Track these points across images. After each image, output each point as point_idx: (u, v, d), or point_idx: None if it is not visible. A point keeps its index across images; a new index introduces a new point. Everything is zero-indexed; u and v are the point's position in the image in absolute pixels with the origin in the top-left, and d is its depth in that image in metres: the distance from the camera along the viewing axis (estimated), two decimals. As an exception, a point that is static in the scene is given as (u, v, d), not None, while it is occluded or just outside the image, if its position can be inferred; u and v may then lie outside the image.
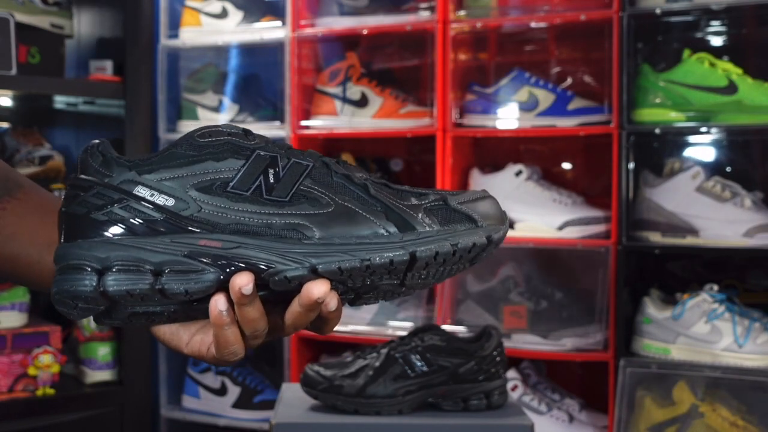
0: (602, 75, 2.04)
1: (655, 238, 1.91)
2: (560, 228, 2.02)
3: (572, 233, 2.01)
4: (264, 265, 0.65)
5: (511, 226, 2.07)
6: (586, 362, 2.04)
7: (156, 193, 0.66)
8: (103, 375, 2.20)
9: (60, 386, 2.13)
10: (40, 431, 2.07)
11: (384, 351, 1.35)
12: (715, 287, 1.86)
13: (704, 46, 2.03)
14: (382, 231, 0.66)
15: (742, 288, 1.98)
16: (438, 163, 2.09)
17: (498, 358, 1.37)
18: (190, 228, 0.66)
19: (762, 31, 2.07)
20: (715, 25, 2.05)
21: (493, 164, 2.17)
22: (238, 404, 2.31)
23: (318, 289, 0.64)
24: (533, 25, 2.09)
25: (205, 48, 2.43)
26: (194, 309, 0.68)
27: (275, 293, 0.67)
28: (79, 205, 0.67)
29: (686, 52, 1.92)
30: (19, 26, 2.06)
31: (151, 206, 0.66)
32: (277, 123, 2.30)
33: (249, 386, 2.31)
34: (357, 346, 2.13)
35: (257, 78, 2.45)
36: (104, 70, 2.26)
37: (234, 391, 2.32)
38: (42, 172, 2.19)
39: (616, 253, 1.91)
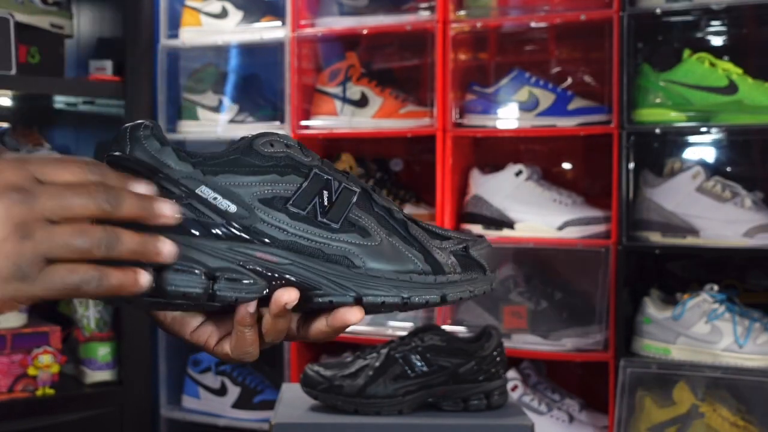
0: (602, 75, 2.04)
1: (655, 238, 1.91)
2: (560, 228, 2.02)
3: (572, 233, 2.01)
4: (313, 287, 0.67)
5: (512, 226, 2.07)
6: (586, 362, 2.03)
7: (219, 197, 0.66)
8: (103, 375, 2.20)
9: (60, 386, 2.13)
10: (40, 431, 2.07)
11: (384, 351, 1.35)
12: (715, 287, 1.86)
13: (704, 46, 2.03)
14: (421, 271, 0.69)
15: (742, 288, 1.98)
16: (438, 163, 2.09)
17: (498, 358, 1.37)
18: (247, 237, 0.66)
19: (762, 31, 2.07)
20: (715, 25, 2.05)
21: (493, 164, 2.17)
22: (238, 404, 2.31)
23: (355, 316, 0.68)
24: (533, 25, 2.09)
25: (205, 48, 2.43)
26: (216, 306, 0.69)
27: (307, 309, 0.69)
28: None
29: (686, 52, 1.91)
30: (19, 26, 2.06)
31: (212, 209, 0.66)
32: (277, 123, 2.30)
33: (249, 386, 2.31)
34: (357, 346, 2.13)
35: (257, 78, 2.45)
36: (104, 70, 2.26)
37: (234, 392, 2.32)
38: (42, 172, 2.18)
39: (616, 253, 1.91)
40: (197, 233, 0.65)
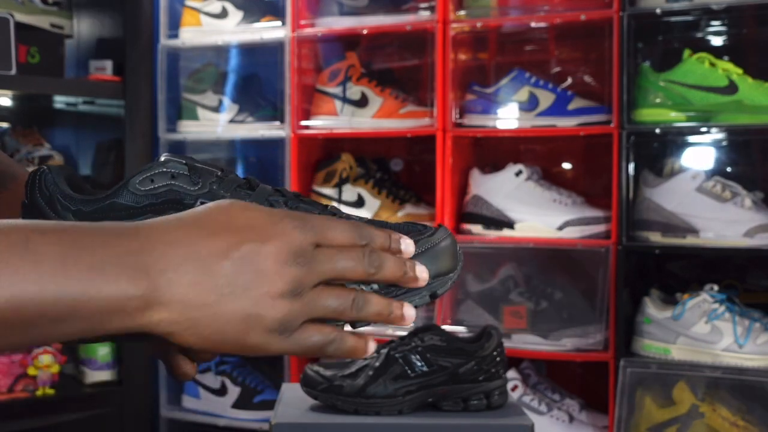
0: (602, 75, 2.04)
1: (655, 238, 1.91)
2: (560, 228, 2.02)
3: (572, 233, 2.01)
4: None
5: (512, 226, 2.07)
6: (586, 362, 2.03)
7: None
8: (103, 375, 2.20)
9: (60, 386, 2.13)
10: (40, 431, 2.07)
11: (384, 351, 1.35)
12: (715, 287, 1.86)
13: (704, 46, 2.03)
14: None
15: (742, 288, 1.98)
16: (438, 163, 2.09)
17: (498, 358, 1.37)
18: None
19: (762, 31, 2.07)
20: (715, 25, 2.05)
21: (493, 164, 2.17)
22: (238, 404, 2.31)
23: None
24: (533, 25, 2.09)
25: (205, 48, 2.43)
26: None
27: None
28: None
29: (686, 52, 1.91)
30: (19, 26, 2.06)
31: None
32: (277, 123, 2.30)
33: (249, 386, 2.31)
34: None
35: (257, 78, 2.45)
36: (104, 70, 2.27)
37: (234, 391, 2.31)
38: (42, 172, 2.18)
39: (616, 253, 1.91)
40: None
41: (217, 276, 0.58)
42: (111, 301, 0.56)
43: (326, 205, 0.71)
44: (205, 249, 0.59)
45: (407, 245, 0.66)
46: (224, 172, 0.68)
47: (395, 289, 0.67)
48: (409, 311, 0.65)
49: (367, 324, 0.66)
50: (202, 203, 0.66)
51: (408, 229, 0.70)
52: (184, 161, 0.67)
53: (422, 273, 0.66)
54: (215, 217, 0.60)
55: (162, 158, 0.68)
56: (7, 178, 0.78)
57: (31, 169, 0.73)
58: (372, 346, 0.65)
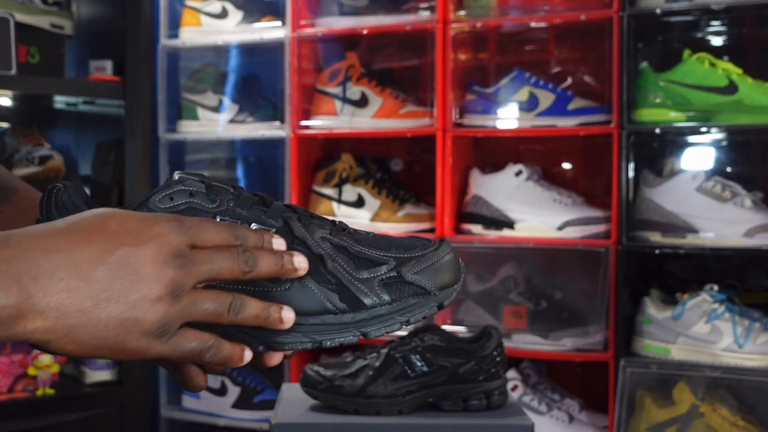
0: (602, 75, 2.04)
1: (655, 238, 1.91)
2: (560, 228, 2.02)
3: (572, 233, 2.01)
4: (225, 338, 0.65)
5: (512, 226, 2.07)
6: (586, 362, 2.03)
7: None
8: (103, 375, 2.20)
9: (60, 386, 2.13)
10: (40, 431, 2.07)
11: (384, 351, 1.35)
12: (715, 287, 1.86)
13: (704, 46, 2.03)
14: (335, 311, 0.67)
15: (742, 288, 1.98)
16: (438, 163, 2.09)
17: (498, 358, 1.37)
18: None
19: (762, 31, 2.07)
20: (715, 25, 2.05)
21: (493, 164, 2.17)
22: (238, 404, 2.31)
23: (271, 361, 0.69)
24: (533, 25, 2.09)
25: (205, 48, 2.43)
26: None
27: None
28: None
29: (686, 52, 1.91)
30: (19, 26, 2.06)
31: None
32: (277, 123, 2.30)
33: (249, 386, 2.31)
34: (357, 346, 2.13)
35: (257, 78, 2.45)
36: (104, 70, 2.26)
37: (234, 391, 2.31)
38: (42, 172, 2.19)
39: (616, 253, 1.91)
40: None
41: (92, 281, 0.58)
42: None
43: (335, 221, 0.72)
44: (80, 255, 0.58)
45: (279, 244, 0.67)
46: (236, 189, 0.69)
47: (405, 302, 0.68)
48: (288, 314, 0.65)
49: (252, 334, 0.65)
50: (222, 221, 0.67)
51: (412, 243, 0.71)
52: (199, 179, 0.68)
53: (301, 263, 0.66)
54: (89, 222, 0.60)
55: (176, 176, 0.68)
56: (8, 191, 0.78)
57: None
58: (248, 355, 0.65)
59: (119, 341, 0.59)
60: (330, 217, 0.73)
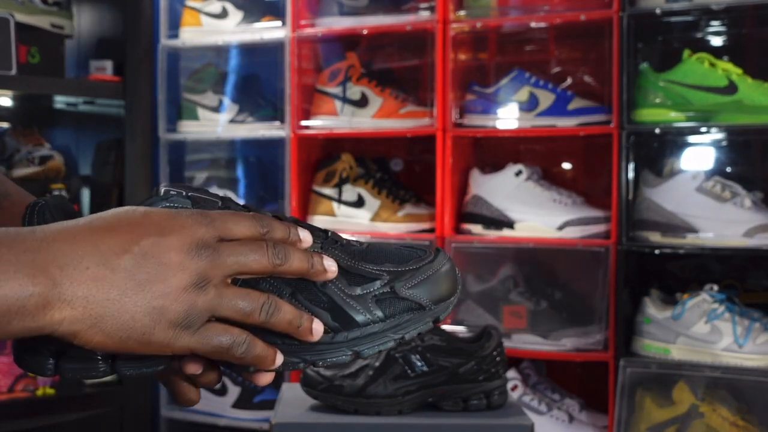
0: (602, 75, 2.04)
1: (655, 238, 1.91)
2: (560, 228, 2.02)
3: (572, 233, 2.01)
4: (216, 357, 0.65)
5: (512, 226, 2.07)
6: (586, 362, 2.04)
7: None
8: (103, 375, 2.20)
9: (60, 386, 2.13)
10: (40, 431, 2.07)
11: (384, 351, 1.35)
12: (715, 287, 1.86)
13: (704, 46, 2.03)
14: (326, 331, 0.65)
15: (742, 288, 1.98)
16: (438, 163, 2.09)
17: (498, 358, 1.37)
18: None
19: (762, 31, 2.07)
20: (715, 25, 2.05)
21: (493, 164, 2.17)
22: (238, 404, 2.31)
23: (262, 380, 0.67)
24: (533, 25, 2.09)
25: (205, 48, 2.43)
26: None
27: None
28: None
29: (686, 52, 1.92)
30: (19, 26, 2.06)
31: None
32: (277, 123, 2.30)
33: (249, 386, 2.31)
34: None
35: (257, 78, 2.45)
36: (104, 70, 2.27)
37: (234, 391, 2.31)
38: (42, 172, 2.19)
39: (616, 253, 1.91)
40: None
41: (118, 270, 0.57)
42: (9, 301, 0.54)
43: (327, 231, 0.70)
44: (105, 244, 0.58)
45: (305, 236, 0.66)
46: (224, 201, 0.67)
47: (399, 318, 0.66)
48: (318, 327, 0.64)
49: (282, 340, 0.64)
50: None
51: (408, 254, 0.68)
52: (185, 192, 0.65)
53: (331, 266, 0.65)
54: (112, 216, 0.60)
55: (161, 190, 0.65)
56: (1, 196, 0.77)
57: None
58: (280, 359, 0.64)
59: (147, 332, 0.58)
60: (322, 227, 0.71)
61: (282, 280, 0.65)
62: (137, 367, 0.63)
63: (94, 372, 0.63)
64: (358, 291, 0.66)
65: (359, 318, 0.65)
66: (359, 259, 0.68)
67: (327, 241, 0.68)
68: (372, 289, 0.66)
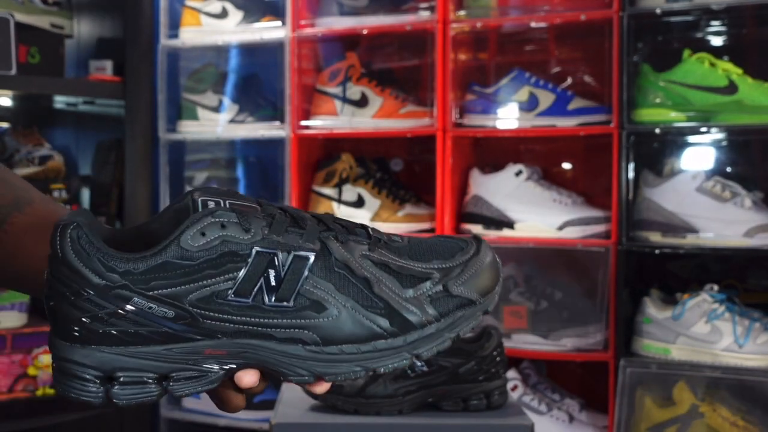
0: (602, 75, 2.04)
1: (655, 238, 1.91)
2: (560, 228, 2.02)
3: (572, 233, 2.01)
4: (272, 369, 0.64)
5: (512, 226, 2.07)
6: (586, 362, 2.04)
7: (155, 306, 0.62)
8: (103, 375, 2.20)
9: (60, 386, 2.12)
10: (40, 431, 2.07)
11: (384, 351, 1.35)
12: (715, 287, 1.86)
13: (704, 46, 2.03)
14: (386, 335, 0.64)
15: (742, 288, 1.98)
16: (438, 163, 2.09)
17: (498, 358, 1.37)
18: (193, 337, 0.63)
19: (762, 31, 2.07)
20: (715, 25, 2.05)
21: (493, 164, 2.17)
22: (238, 404, 2.31)
23: (321, 388, 0.66)
24: (533, 25, 2.09)
25: (205, 48, 2.43)
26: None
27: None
28: (70, 306, 0.62)
29: (686, 52, 1.92)
30: (19, 26, 2.06)
31: (150, 318, 0.62)
32: (277, 123, 2.30)
33: (249, 386, 2.31)
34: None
35: (257, 78, 2.45)
36: (104, 70, 2.27)
37: (234, 391, 2.31)
38: (42, 172, 2.19)
39: (616, 253, 1.91)
40: (137, 341, 0.62)
41: None
42: None
43: (367, 229, 0.68)
44: None
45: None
46: (263, 207, 0.65)
47: (453, 316, 0.65)
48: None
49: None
50: (257, 253, 0.62)
51: (451, 246, 0.68)
52: (229, 207, 0.63)
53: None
54: None
55: (207, 206, 0.63)
56: (23, 202, 0.76)
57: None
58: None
59: None
60: (358, 222, 0.69)
61: (341, 293, 0.64)
62: (192, 387, 0.63)
63: (148, 395, 0.62)
64: (411, 293, 0.65)
65: (415, 320, 0.64)
66: (407, 257, 0.67)
67: (371, 242, 0.67)
68: (425, 290, 0.65)
